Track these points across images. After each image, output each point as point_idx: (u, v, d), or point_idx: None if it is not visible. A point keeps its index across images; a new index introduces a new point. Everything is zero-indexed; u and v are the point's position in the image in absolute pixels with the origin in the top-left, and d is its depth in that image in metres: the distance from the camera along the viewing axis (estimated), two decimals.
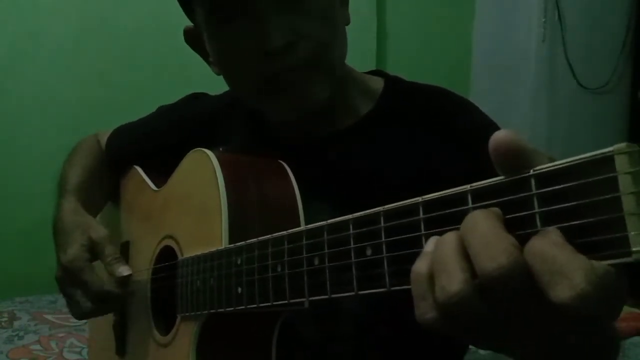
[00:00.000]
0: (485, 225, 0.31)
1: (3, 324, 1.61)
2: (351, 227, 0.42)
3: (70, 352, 1.48)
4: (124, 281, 0.74)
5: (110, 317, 0.90)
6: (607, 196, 0.28)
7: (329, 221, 0.45)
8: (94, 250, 0.77)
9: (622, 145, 0.27)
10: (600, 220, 0.28)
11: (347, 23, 0.73)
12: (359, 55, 2.15)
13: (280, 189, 0.67)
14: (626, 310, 1.77)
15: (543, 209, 0.30)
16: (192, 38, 0.77)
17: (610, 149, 0.28)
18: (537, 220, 0.30)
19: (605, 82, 2.19)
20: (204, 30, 0.71)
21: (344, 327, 0.71)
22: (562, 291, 0.28)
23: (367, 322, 0.71)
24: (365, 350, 0.72)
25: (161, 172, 0.85)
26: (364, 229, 0.41)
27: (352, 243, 0.42)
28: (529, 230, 0.31)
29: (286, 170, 0.69)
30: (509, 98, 2.23)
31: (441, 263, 0.33)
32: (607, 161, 0.28)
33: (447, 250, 0.33)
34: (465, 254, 0.32)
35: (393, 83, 0.79)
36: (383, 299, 0.68)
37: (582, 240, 0.29)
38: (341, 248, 0.43)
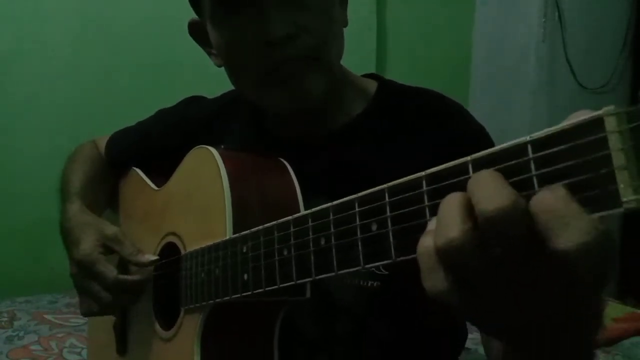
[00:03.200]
0: (490, 178, 0.33)
1: (3, 324, 1.61)
2: (357, 205, 0.44)
3: (70, 353, 1.48)
4: (151, 266, 0.77)
5: (109, 317, 0.90)
6: (598, 154, 0.30)
7: (334, 202, 0.46)
8: (108, 246, 0.79)
9: (610, 107, 0.30)
10: (593, 177, 0.31)
11: (345, 25, 0.76)
12: (359, 55, 2.15)
13: (281, 185, 0.68)
14: (626, 310, 1.77)
15: (540, 171, 0.33)
16: (196, 30, 0.79)
17: (600, 112, 0.30)
18: (535, 182, 0.33)
19: (605, 82, 2.19)
20: (209, 21, 0.72)
21: (341, 326, 0.72)
22: (566, 239, 0.30)
23: (364, 321, 0.72)
24: (363, 348, 0.73)
25: (161, 174, 0.86)
26: (369, 206, 0.42)
27: (357, 220, 0.43)
28: (528, 192, 0.33)
29: (286, 167, 0.70)
30: (509, 98, 2.23)
31: (443, 214, 0.35)
32: (598, 123, 0.30)
33: (450, 204, 0.35)
34: (468, 208, 0.34)
35: (386, 85, 0.81)
36: (380, 298, 0.69)
37: (578, 196, 0.31)
38: (347, 226, 0.44)
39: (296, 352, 0.71)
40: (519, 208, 0.32)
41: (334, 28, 0.71)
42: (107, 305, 0.77)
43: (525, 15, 2.18)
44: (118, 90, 2.11)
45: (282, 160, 0.72)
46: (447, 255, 0.34)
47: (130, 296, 0.78)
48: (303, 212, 0.50)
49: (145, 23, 2.12)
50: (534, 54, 2.16)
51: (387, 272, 0.69)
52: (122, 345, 0.88)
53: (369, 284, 0.70)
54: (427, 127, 0.75)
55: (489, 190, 0.33)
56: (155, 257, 0.76)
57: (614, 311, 1.72)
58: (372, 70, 2.32)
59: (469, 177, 0.35)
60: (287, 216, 0.53)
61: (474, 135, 0.75)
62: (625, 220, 2.31)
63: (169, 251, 0.76)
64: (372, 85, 0.81)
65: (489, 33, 2.32)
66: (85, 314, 0.82)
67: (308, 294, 0.59)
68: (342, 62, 0.77)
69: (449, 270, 0.35)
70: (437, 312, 0.72)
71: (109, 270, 0.75)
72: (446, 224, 0.34)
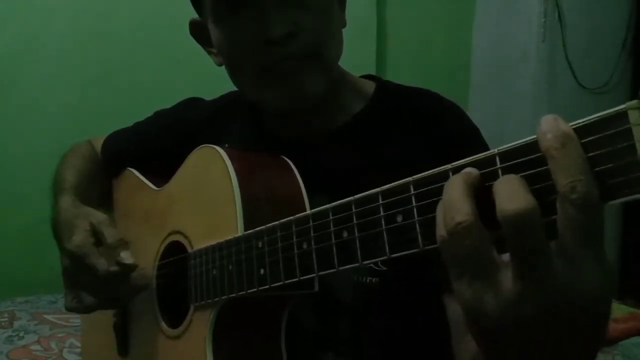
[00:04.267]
0: (515, 180, 0.36)
1: (3, 324, 1.62)
2: (380, 198, 0.45)
3: (70, 353, 1.48)
4: (128, 267, 0.72)
5: (108, 318, 0.90)
6: (623, 145, 0.32)
7: (356, 196, 0.48)
8: (96, 236, 0.77)
9: (633, 102, 0.32)
10: (618, 166, 0.33)
11: (344, 26, 0.77)
12: (359, 55, 2.15)
13: (286, 182, 0.69)
14: (626, 310, 1.77)
15: None
16: (196, 29, 0.80)
17: (623, 106, 0.32)
18: None
19: (605, 82, 2.19)
20: (210, 20, 0.73)
21: (340, 322, 0.73)
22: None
23: (363, 317, 0.73)
24: (362, 343, 0.74)
25: (158, 174, 0.87)
26: (394, 198, 0.44)
27: (381, 212, 0.45)
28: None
29: (290, 165, 0.71)
30: (509, 98, 2.23)
31: (449, 199, 0.38)
32: (622, 116, 0.32)
33: (454, 190, 0.38)
34: (470, 194, 0.37)
35: (384, 86, 0.82)
36: (379, 294, 0.70)
37: (603, 184, 0.33)
38: (370, 218, 0.46)
39: (296, 347, 0.71)
40: (536, 213, 0.34)
41: (333, 28, 0.72)
42: (99, 300, 0.75)
43: (525, 15, 2.18)
44: (118, 90, 2.11)
45: (284, 158, 0.73)
46: (455, 240, 0.37)
47: (125, 291, 0.76)
48: (324, 206, 0.51)
49: (145, 23, 2.12)
50: (534, 54, 2.15)
51: (385, 268, 0.69)
52: (123, 345, 0.88)
53: (368, 280, 0.71)
54: (423, 127, 0.76)
55: (512, 192, 0.35)
56: (130, 261, 0.72)
57: (614, 311, 1.72)
58: (372, 70, 2.33)
59: (497, 169, 0.38)
60: (294, 212, 0.54)
61: (468, 135, 0.76)
62: (625, 220, 2.31)
63: (173, 249, 0.77)
64: (370, 86, 0.82)
65: (489, 33, 2.32)
66: (71, 309, 0.79)
67: (316, 287, 0.60)
68: (342, 62, 0.78)
69: (457, 258, 0.37)
70: (435, 307, 0.73)
71: (101, 262, 0.72)
72: (452, 209, 0.37)
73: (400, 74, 2.33)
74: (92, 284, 0.75)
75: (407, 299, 0.72)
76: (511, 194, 0.35)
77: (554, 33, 2.13)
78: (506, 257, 0.37)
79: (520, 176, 0.36)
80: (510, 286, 0.36)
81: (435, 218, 0.39)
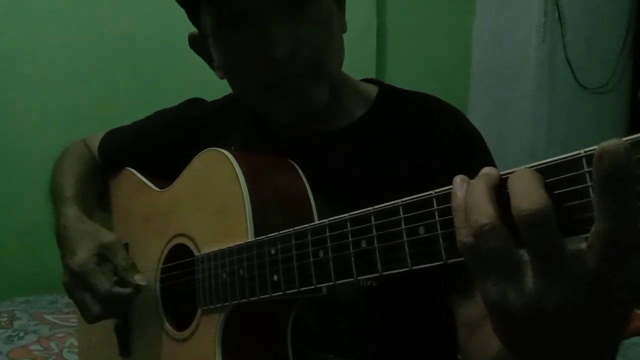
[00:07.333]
0: (529, 179, 0.37)
1: (3, 324, 1.61)
2: (401, 211, 0.45)
3: (70, 353, 1.48)
4: (137, 289, 0.77)
5: (108, 320, 0.89)
6: None
7: (375, 207, 0.48)
8: (104, 255, 0.79)
9: None
10: None
11: (344, 31, 0.76)
12: (359, 56, 2.14)
13: (293, 185, 0.69)
14: None
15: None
16: (196, 43, 0.79)
17: None
18: (591, 191, 0.36)
19: (605, 82, 2.18)
20: (210, 36, 0.73)
21: (340, 324, 0.74)
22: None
23: (363, 319, 0.73)
24: (361, 345, 0.74)
25: (159, 174, 0.86)
26: (416, 212, 0.44)
27: (403, 225, 0.45)
28: (583, 200, 0.35)
29: (295, 168, 0.72)
30: (509, 98, 2.22)
31: (473, 202, 0.38)
32: None
33: (477, 193, 0.38)
34: (493, 196, 0.38)
35: (386, 90, 0.83)
36: (378, 297, 0.70)
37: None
38: (391, 230, 0.46)
39: (298, 348, 0.71)
40: (550, 211, 0.35)
41: (334, 35, 0.72)
42: (95, 317, 0.77)
43: (525, 15, 2.17)
44: (118, 90, 2.11)
45: (290, 161, 0.73)
46: (480, 242, 0.37)
47: (118, 310, 0.79)
48: (340, 216, 0.51)
49: (146, 23, 2.12)
50: (534, 54, 2.15)
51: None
52: (125, 347, 0.87)
53: (369, 283, 0.71)
54: (425, 130, 0.76)
55: (525, 192, 0.36)
56: (143, 283, 0.77)
57: None
58: (372, 72, 2.32)
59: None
60: (301, 216, 0.54)
61: (469, 138, 0.77)
62: None
63: (178, 252, 0.77)
64: (372, 90, 0.82)
65: (489, 33, 2.32)
66: (90, 322, 0.82)
67: (324, 291, 0.60)
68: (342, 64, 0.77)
69: (482, 260, 0.38)
70: (435, 308, 0.73)
71: (102, 282, 0.76)
72: (477, 210, 0.37)
73: (400, 75, 2.32)
74: (88, 302, 0.77)
75: (406, 301, 0.72)
76: (525, 193, 0.36)
77: (554, 33, 2.13)
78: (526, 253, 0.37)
79: (538, 173, 0.37)
80: (532, 280, 0.37)
81: (454, 222, 0.40)
